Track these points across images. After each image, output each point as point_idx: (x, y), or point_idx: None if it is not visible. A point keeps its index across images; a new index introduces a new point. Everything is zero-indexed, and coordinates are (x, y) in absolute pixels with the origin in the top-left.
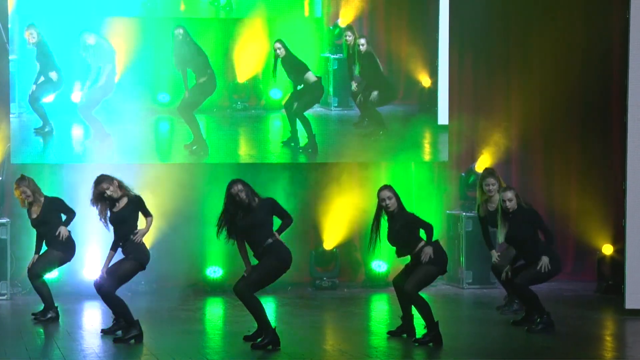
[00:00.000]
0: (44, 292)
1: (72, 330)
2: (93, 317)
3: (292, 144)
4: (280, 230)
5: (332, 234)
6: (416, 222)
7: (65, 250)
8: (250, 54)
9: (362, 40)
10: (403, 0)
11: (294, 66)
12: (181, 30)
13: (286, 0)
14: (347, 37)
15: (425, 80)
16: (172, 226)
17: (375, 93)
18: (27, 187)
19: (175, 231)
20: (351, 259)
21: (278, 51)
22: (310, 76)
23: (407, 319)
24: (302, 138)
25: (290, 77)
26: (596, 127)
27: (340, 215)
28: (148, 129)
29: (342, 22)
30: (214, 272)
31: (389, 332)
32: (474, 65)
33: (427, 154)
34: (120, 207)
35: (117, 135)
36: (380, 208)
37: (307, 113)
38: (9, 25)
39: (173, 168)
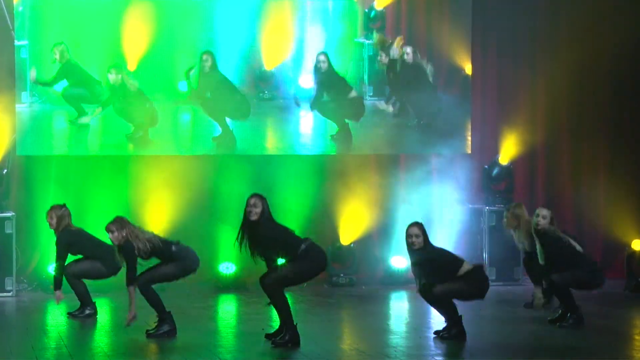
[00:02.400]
0: (80, 289)
1: (80, 327)
2: (101, 315)
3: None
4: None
5: (350, 229)
6: (438, 260)
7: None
8: (278, 40)
9: (409, 50)
10: None
11: (334, 82)
12: (209, 58)
13: None
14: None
15: (468, 68)
16: (185, 221)
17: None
18: (51, 216)
19: (188, 226)
20: (369, 255)
21: (321, 64)
22: (354, 93)
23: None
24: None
25: (326, 92)
26: (625, 119)
27: (358, 210)
28: (166, 119)
29: (378, 4)
30: (227, 268)
31: (435, 332)
32: (498, 53)
33: (468, 147)
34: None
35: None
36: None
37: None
38: (20, 9)
39: (187, 160)
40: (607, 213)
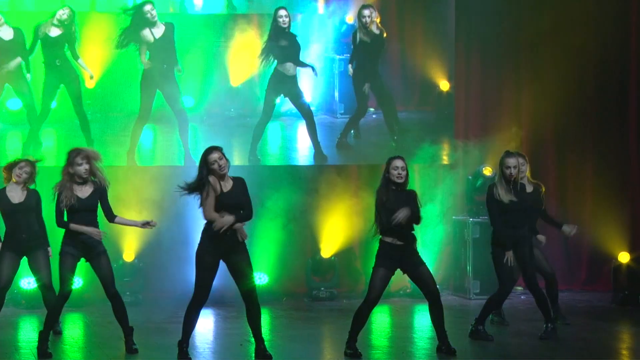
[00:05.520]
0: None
1: (52, 344)
2: (74, 330)
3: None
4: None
5: (331, 241)
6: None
7: None
8: (245, 55)
9: (375, 15)
10: None
11: (291, 45)
12: (150, 7)
13: None
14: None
15: (443, 84)
16: (160, 234)
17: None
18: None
19: (163, 239)
20: (350, 268)
21: (284, 19)
22: (290, 67)
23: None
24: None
25: (275, 53)
26: (612, 130)
27: (339, 222)
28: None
29: (349, 18)
30: None
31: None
32: (481, 63)
33: (451, 158)
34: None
35: (98, 141)
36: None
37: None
38: None
39: (161, 170)
40: (593, 226)
